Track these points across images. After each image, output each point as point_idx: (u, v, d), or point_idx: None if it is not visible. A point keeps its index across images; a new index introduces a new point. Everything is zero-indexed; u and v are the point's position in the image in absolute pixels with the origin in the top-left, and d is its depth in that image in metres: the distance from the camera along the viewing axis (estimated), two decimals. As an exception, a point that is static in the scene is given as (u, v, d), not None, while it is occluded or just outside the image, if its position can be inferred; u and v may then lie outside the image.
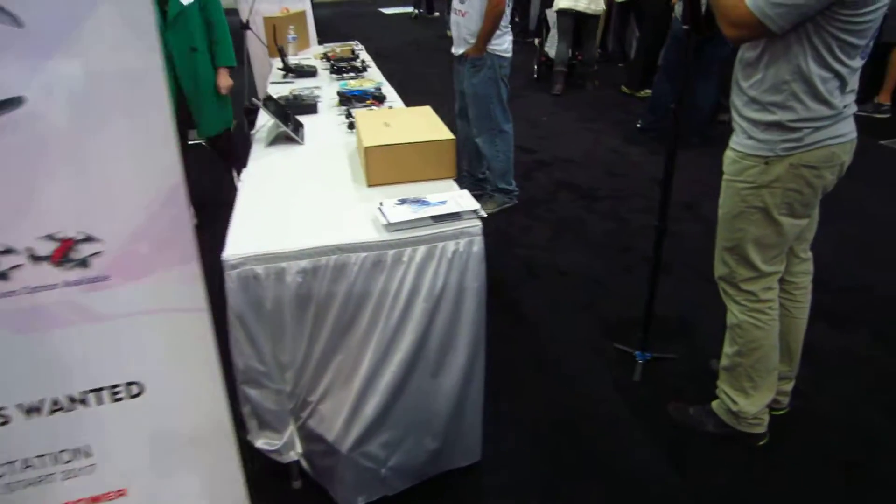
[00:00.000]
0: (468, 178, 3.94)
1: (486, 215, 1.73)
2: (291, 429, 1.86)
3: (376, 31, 10.66)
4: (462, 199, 1.76)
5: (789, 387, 2.07)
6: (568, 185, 4.13)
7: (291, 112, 2.62)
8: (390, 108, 2.69)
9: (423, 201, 1.76)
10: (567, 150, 4.74)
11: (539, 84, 6.80)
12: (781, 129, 1.66)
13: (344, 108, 2.84)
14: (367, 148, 1.92)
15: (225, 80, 3.24)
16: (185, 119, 3.35)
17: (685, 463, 1.94)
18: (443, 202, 1.75)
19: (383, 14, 12.22)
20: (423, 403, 1.81)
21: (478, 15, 3.32)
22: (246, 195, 1.96)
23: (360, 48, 4.52)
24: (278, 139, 2.42)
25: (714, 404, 2.05)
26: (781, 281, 1.94)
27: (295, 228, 1.71)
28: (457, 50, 3.52)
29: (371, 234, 1.66)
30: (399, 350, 1.72)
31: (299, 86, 3.39)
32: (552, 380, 2.34)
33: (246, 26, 4.67)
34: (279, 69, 3.72)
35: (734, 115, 1.78)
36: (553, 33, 6.74)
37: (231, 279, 1.60)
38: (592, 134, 5.12)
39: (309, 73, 3.65)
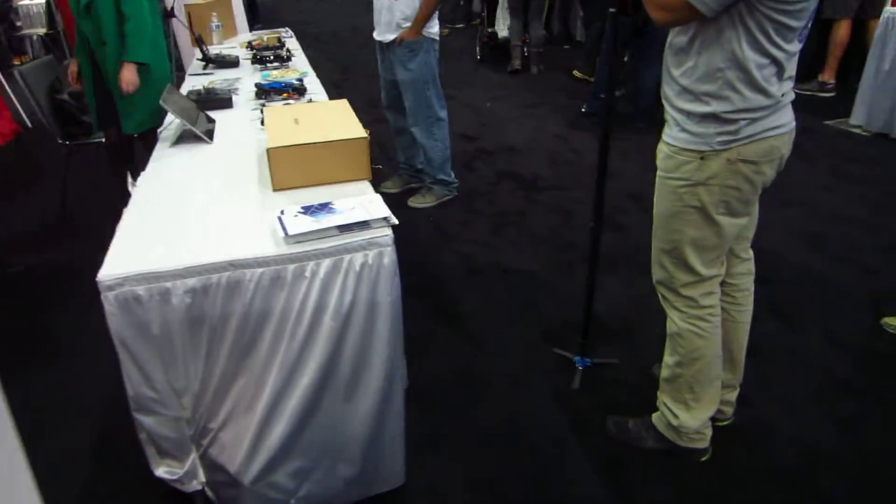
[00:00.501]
0: (406, 170, 3.78)
1: (396, 222, 1.57)
2: (193, 456, 1.71)
3: (321, 16, 10.37)
4: (372, 206, 1.59)
5: (733, 396, 1.97)
6: (510, 175, 4.00)
7: (202, 107, 2.42)
8: (310, 100, 2.50)
9: (330, 208, 1.59)
10: (510, 138, 4.61)
11: (484, 65, 6.66)
12: (717, 121, 1.53)
13: (261, 101, 2.64)
14: (269, 150, 1.75)
15: (127, 76, 2.93)
16: (106, 113, 3.10)
17: (623, 483, 1.81)
18: (351, 209, 1.58)
19: (332, -1, 11.89)
20: (335, 428, 1.67)
21: None
22: (136, 203, 1.78)
23: (289, 35, 4.31)
24: (185, 138, 2.23)
25: (654, 417, 1.94)
26: (722, 283, 1.82)
27: (183, 242, 1.54)
28: (385, 36, 3.32)
29: (268, 247, 1.50)
30: (306, 373, 1.57)
31: (220, 77, 3.19)
32: (485, 390, 2.21)
33: (170, 14, 4.43)
34: (198, 59, 3.49)
35: (666, 107, 1.65)
36: (499, 13, 6.66)
37: (109, 301, 1.43)
38: (536, 120, 5.00)
39: (230, 63, 3.44)
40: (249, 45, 3.82)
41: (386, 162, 4.19)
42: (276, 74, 3.13)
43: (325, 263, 1.50)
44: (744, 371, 1.97)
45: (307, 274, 1.50)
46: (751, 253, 1.89)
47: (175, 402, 1.59)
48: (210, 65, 3.46)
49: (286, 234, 1.49)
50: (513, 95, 5.70)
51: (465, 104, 5.49)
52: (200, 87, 2.67)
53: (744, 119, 1.53)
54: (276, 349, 1.55)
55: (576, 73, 6.01)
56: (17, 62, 8.08)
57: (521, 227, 3.36)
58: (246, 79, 3.14)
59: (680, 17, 1.47)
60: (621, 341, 2.46)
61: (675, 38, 1.58)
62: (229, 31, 4.42)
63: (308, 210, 1.60)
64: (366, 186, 1.80)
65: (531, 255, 3.07)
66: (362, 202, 1.62)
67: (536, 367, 2.33)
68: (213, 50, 3.82)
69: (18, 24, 8.47)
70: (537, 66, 6.43)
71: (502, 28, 6.94)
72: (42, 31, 8.19)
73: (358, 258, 1.52)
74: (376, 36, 3.38)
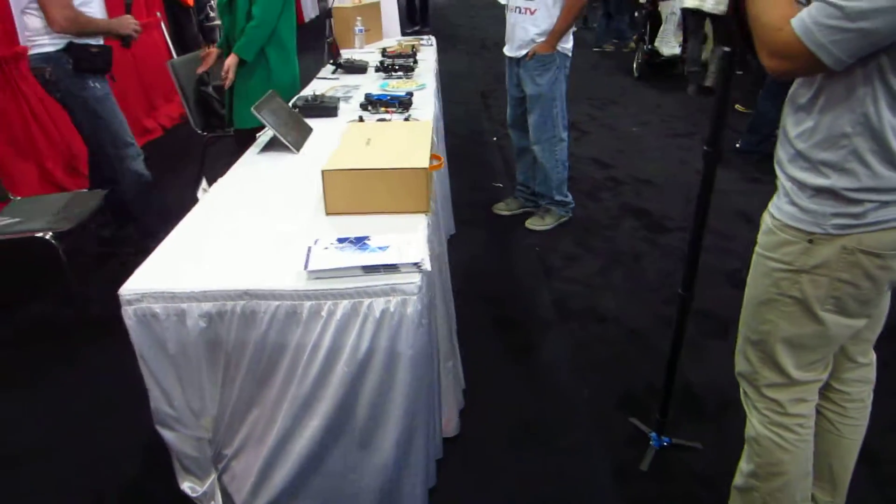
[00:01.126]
0: (523, 192, 3.65)
1: (429, 268, 1.43)
2: (213, 478, 1.68)
3: (490, 23, 10.36)
4: (409, 247, 1.46)
5: (829, 522, 1.61)
6: (636, 210, 3.68)
7: (305, 114, 2.44)
8: (407, 118, 2.41)
9: (364, 244, 1.47)
10: (647, 169, 4.27)
11: (640, 84, 6.28)
12: (836, 199, 1.23)
13: (366, 112, 2.60)
14: (324, 172, 1.67)
15: (227, 66, 2.97)
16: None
17: None
18: (386, 247, 1.45)
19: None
20: (346, 477, 1.56)
21: (549, 12, 3.05)
22: (195, 214, 1.77)
23: (428, 43, 4.26)
24: (276, 144, 2.22)
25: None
26: (827, 387, 1.50)
27: (210, 264, 1.50)
28: (517, 52, 3.21)
29: (287, 279, 1.41)
30: (316, 415, 1.48)
31: (343, 83, 3.20)
32: (540, 450, 2.00)
33: (328, 14, 4.54)
34: (330, 63, 3.53)
35: (777, 171, 1.36)
36: (664, 28, 6.29)
37: (128, 316, 1.44)
38: (682, 151, 4.60)
39: (358, 69, 3.45)
40: (383, 52, 3.81)
41: (507, 181, 4.04)
42: (394, 84, 3.09)
43: (343, 305, 1.39)
44: (849, 492, 1.61)
45: (323, 314, 1.40)
46: (872, 357, 1.54)
47: (193, 421, 1.57)
48: (339, 70, 3.49)
49: (306, 267, 1.40)
50: (664, 121, 5.31)
51: (607, 126, 5.19)
52: (311, 94, 2.66)
53: (872, 201, 1.21)
54: (288, 385, 1.47)
55: (738, 106, 5.47)
56: (204, 48, 8.82)
57: (633, 271, 3.07)
58: (367, 87, 3.13)
59: (798, 68, 1.19)
60: (713, 422, 2.13)
61: (798, 89, 1.29)
62: (375, 35, 4.46)
63: (343, 242, 1.49)
64: (420, 221, 1.67)
65: (635, 304, 2.78)
66: (401, 241, 1.49)
67: (605, 434, 2.09)
68: (347, 54, 3.86)
69: (213, 14, 9.24)
70: (697, 86, 6.02)
71: (674, 46, 6.53)
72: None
73: (379, 303, 1.39)
74: (507, 52, 3.29)
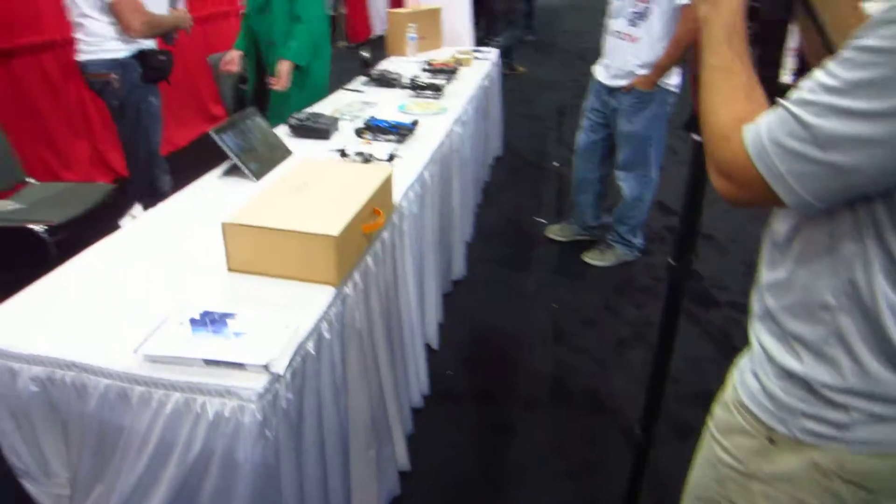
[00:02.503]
0: (579, 221, 3.43)
1: (280, 372, 1.21)
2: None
3: (599, 30, 9.91)
4: (273, 338, 1.25)
5: None
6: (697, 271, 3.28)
7: (297, 134, 2.42)
8: (390, 156, 2.20)
9: (222, 325, 1.28)
10: (713, 221, 3.81)
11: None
12: (810, 394, 0.89)
13: (361, 139, 2.42)
14: (224, 225, 1.49)
15: (283, 73, 2.94)
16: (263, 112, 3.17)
17: None
18: (240, 334, 1.25)
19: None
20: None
21: (655, 41, 2.76)
22: (84, 256, 1.65)
23: (482, 57, 4.02)
24: (238, 168, 2.07)
25: None
26: None
27: (56, 324, 1.37)
28: (611, 80, 2.95)
29: (123, 356, 1.24)
30: (149, 512, 1.29)
31: (366, 98, 3.05)
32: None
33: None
34: (363, 74, 3.38)
35: (749, 319, 1.03)
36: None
37: None
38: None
39: (388, 82, 3.27)
40: (428, 64, 3.62)
41: (553, 218, 3.79)
42: (414, 106, 2.89)
43: (175, 398, 1.21)
44: None
45: (153, 404, 1.22)
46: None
47: (45, 479, 1.46)
48: (371, 81, 3.33)
49: (143, 351, 1.22)
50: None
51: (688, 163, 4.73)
52: (305, 114, 2.50)
53: (858, 409, 0.86)
54: (120, 471, 1.31)
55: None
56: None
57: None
58: (388, 105, 2.95)
59: (751, 199, 0.84)
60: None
61: (774, 220, 0.97)
62: (433, 42, 4.29)
63: (202, 318, 1.30)
64: (324, 295, 1.46)
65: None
66: (268, 326, 1.29)
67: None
68: (384, 65, 3.70)
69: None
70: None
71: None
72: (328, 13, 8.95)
73: (213, 404, 1.20)
74: (599, 76, 3.04)
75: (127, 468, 1.29)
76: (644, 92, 2.86)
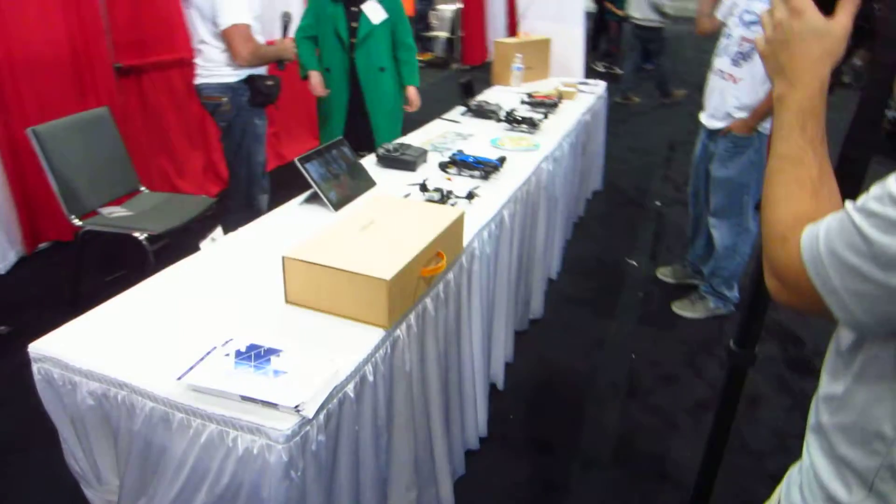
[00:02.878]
0: (692, 265, 3.32)
1: (310, 416, 1.23)
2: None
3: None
4: (306, 382, 1.27)
5: None
6: (785, 334, 3.08)
7: (385, 164, 2.49)
8: (470, 194, 2.19)
9: (265, 362, 1.32)
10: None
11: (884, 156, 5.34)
12: None
13: (444, 173, 2.44)
14: (285, 258, 1.54)
15: (415, 98, 3.38)
16: (361, 139, 3.31)
17: None
18: (279, 373, 1.29)
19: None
20: None
21: (757, 84, 2.65)
22: (159, 278, 1.73)
23: (586, 89, 3.95)
24: (319, 196, 2.14)
25: None
26: None
27: (116, 342, 1.45)
28: (709, 121, 2.87)
29: (168, 381, 1.30)
30: (180, 535, 1.34)
31: (462, 129, 3.08)
32: None
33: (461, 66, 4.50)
34: (461, 104, 3.40)
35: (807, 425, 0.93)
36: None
37: (35, 370, 1.43)
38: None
39: (486, 114, 3.27)
40: (528, 96, 3.60)
41: (646, 261, 3.65)
42: (506, 140, 2.87)
43: (210, 429, 1.25)
44: None
45: (191, 432, 1.27)
46: None
47: (97, 483, 1.55)
48: (468, 112, 3.34)
49: (185, 378, 1.27)
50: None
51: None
52: (395, 145, 2.55)
53: None
54: (158, 489, 1.37)
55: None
56: (422, 58, 9.19)
57: (742, 420, 2.52)
58: (482, 137, 2.95)
59: (804, 307, 0.75)
60: None
61: (841, 327, 0.87)
62: (540, 72, 4.26)
63: (248, 352, 1.35)
64: (373, 337, 1.47)
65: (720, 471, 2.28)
66: (312, 366, 1.31)
67: None
68: (486, 95, 3.71)
69: (435, 24, 9.61)
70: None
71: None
72: (445, 34, 9.14)
73: (244, 440, 1.23)
74: (702, 117, 2.95)
75: (165, 487, 1.34)
76: (741, 136, 2.72)
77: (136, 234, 2.58)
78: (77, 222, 2.61)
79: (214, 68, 2.90)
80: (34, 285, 3.16)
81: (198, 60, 2.92)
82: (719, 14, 2.90)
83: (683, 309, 3.13)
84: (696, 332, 3.03)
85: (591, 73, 4.87)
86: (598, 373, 2.72)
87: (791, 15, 0.81)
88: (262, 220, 2.06)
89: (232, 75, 2.89)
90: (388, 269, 1.48)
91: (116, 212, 2.74)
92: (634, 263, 3.62)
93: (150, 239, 2.59)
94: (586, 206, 4.18)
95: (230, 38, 2.78)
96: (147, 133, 3.69)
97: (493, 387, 2.46)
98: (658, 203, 4.52)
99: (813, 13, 0.80)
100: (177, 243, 3.21)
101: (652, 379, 2.71)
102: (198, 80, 2.95)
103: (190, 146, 4.00)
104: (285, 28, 3.03)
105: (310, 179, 2.08)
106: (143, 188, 3.00)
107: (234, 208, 3.09)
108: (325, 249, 1.56)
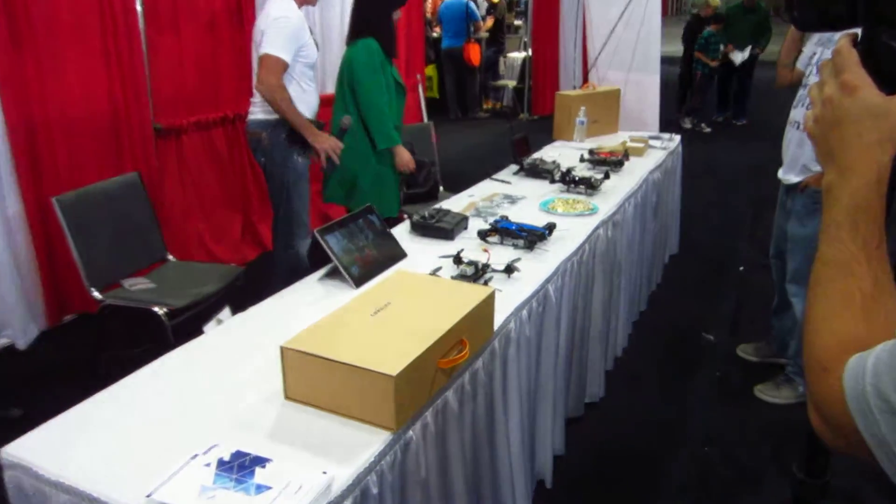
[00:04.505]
0: (777, 341, 3.12)
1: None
2: None
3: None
4: (290, 500, 1.17)
5: None
6: None
7: (420, 232, 2.45)
8: (509, 266, 2.09)
9: (248, 475, 1.23)
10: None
11: None
12: None
13: (482, 241, 2.35)
14: (283, 347, 1.46)
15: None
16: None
17: None
18: (263, 489, 1.19)
19: None
20: None
21: None
22: (169, 358, 1.70)
23: (664, 146, 3.83)
24: (339, 271, 2.08)
25: None
26: None
27: (89, 449, 1.38)
28: (787, 176, 2.76)
29: (139, 497, 1.22)
30: None
31: (512, 190, 3.03)
32: None
33: (514, 112, 4.51)
34: (514, 162, 3.34)
35: None
36: None
37: (6, 478, 1.39)
38: None
39: (541, 173, 3.20)
40: (591, 153, 3.50)
41: (725, 337, 3.45)
42: (559, 204, 2.77)
43: (176, 555, 1.15)
44: None
45: (157, 555, 1.18)
46: None
47: None
48: (520, 171, 3.28)
49: (151, 493, 1.20)
50: None
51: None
52: (433, 210, 2.49)
53: None
54: None
55: None
56: (486, 106, 9.26)
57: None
58: (531, 201, 2.86)
59: (849, 451, 0.64)
60: None
61: None
62: (608, 126, 4.17)
63: (233, 461, 1.26)
64: (375, 441, 1.37)
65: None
66: (302, 481, 1.21)
67: None
68: (543, 152, 3.64)
69: (502, 73, 9.70)
70: None
71: None
72: (513, 83, 9.20)
73: (214, 570, 1.13)
74: (779, 174, 2.84)
75: None
76: (819, 191, 2.51)
77: (156, 309, 2.57)
78: (97, 295, 2.63)
79: (259, 104, 3.04)
80: (54, 362, 3.17)
81: (253, 97, 3.09)
82: (799, 64, 2.80)
83: (767, 392, 2.91)
84: (782, 421, 2.78)
85: (677, 130, 4.70)
86: (665, 466, 2.53)
87: (843, 91, 0.69)
88: (277, 298, 2.01)
89: (272, 112, 2.97)
90: (395, 362, 1.38)
91: (139, 283, 2.76)
92: (711, 338, 3.42)
93: (170, 314, 2.57)
94: (662, 273, 4.01)
95: (260, 64, 2.89)
96: (184, 196, 3.77)
97: (540, 484, 2.30)
98: (741, 269, 4.30)
99: (869, 90, 0.67)
100: (206, 313, 3.24)
101: (727, 476, 2.49)
102: (248, 117, 3.12)
103: (229, 208, 4.06)
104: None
105: (330, 253, 2.02)
106: (170, 256, 3.02)
107: (276, 251, 3.21)
108: (328, 339, 1.48)
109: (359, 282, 2.04)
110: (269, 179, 3.17)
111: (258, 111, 3.06)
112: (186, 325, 2.54)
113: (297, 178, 3.11)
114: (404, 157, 3.21)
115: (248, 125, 3.12)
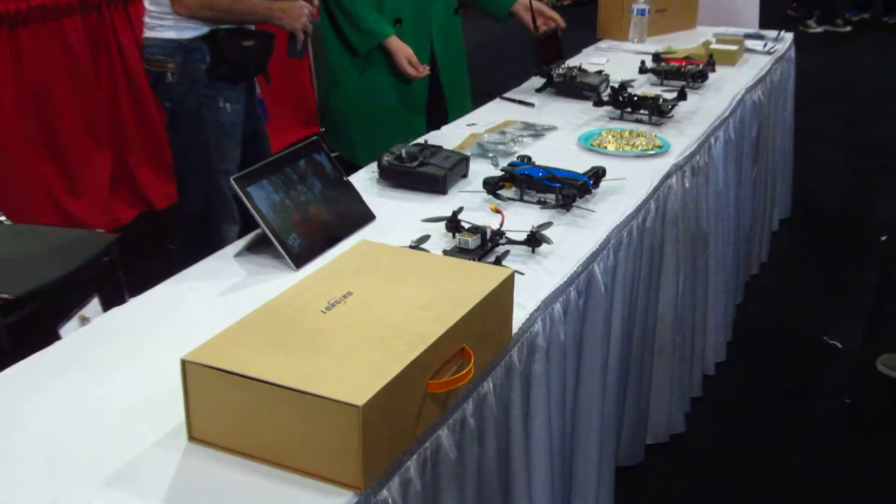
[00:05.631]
0: None
1: None
2: None
3: None
4: None
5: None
6: None
7: (393, 182, 2.48)
8: (533, 233, 2.09)
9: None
10: None
11: None
12: None
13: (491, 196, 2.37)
14: (184, 360, 1.46)
15: None
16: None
17: None
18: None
19: None
20: None
21: None
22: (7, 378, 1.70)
23: (770, 48, 3.88)
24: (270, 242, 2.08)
25: None
26: None
27: None
28: None
29: None
30: None
31: (535, 117, 3.07)
32: None
33: None
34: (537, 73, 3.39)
35: None
36: None
37: None
38: None
39: (578, 90, 3.23)
40: (656, 58, 3.53)
41: (861, 341, 3.56)
42: (608, 138, 2.78)
43: None
44: None
45: None
46: None
47: None
48: (548, 87, 3.30)
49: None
50: None
51: None
52: (413, 148, 2.48)
53: None
54: None
55: None
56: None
57: None
58: (564, 133, 2.88)
59: None
60: None
61: None
62: (678, 20, 4.21)
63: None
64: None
65: None
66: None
67: None
68: (584, 57, 3.66)
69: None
70: None
71: None
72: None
73: None
74: None
75: None
76: None
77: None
78: None
79: (160, 15, 2.96)
80: None
81: (145, 2, 3.01)
82: None
83: None
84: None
85: (788, 27, 4.59)
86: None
87: None
88: (174, 283, 2.01)
89: (185, 28, 2.94)
90: (362, 385, 1.37)
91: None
92: (837, 345, 3.52)
93: (3, 308, 2.56)
94: (770, 245, 4.08)
95: None
96: (20, 124, 3.73)
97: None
98: (883, 238, 4.39)
99: None
100: (61, 307, 3.25)
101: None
102: (144, 34, 3.06)
103: (93, 144, 4.03)
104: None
105: (254, 214, 2.00)
106: (1, 217, 3.02)
107: (184, 241, 3.18)
108: (256, 348, 1.47)
109: (300, 259, 2.04)
110: (173, 134, 3.16)
111: (157, 25, 2.98)
112: (30, 325, 2.54)
113: (224, 134, 3.09)
114: (403, 54, 3.25)
115: (145, 49, 3.06)
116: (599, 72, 3.32)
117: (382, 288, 1.66)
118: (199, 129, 3.01)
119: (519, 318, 1.82)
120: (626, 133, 2.81)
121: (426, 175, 2.41)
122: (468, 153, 2.59)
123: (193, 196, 3.13)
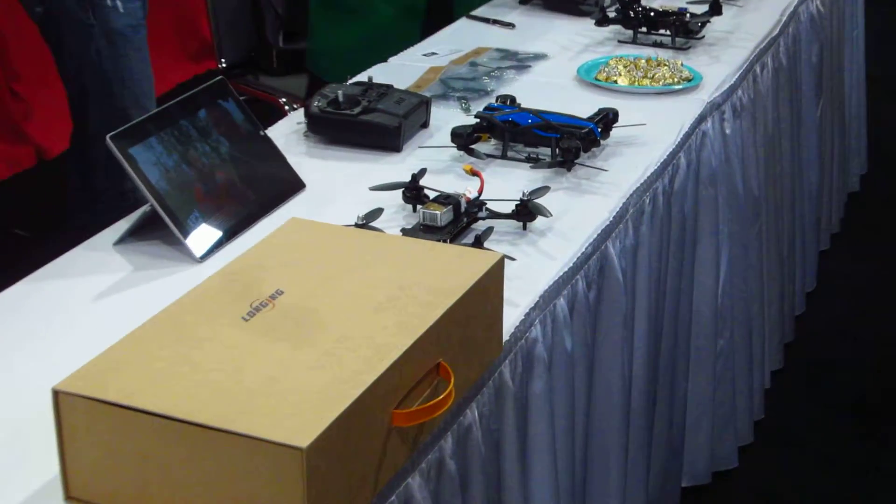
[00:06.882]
0: None
1: None
2: None
3: None
4: None
5: None
6: None
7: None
8: (525, 200, 2.12)
9: None
10: None
11: None
12: None
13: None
14: (59, 393, 1.48)
15: None
16: None
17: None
18: None
19: None
20: None
21: None
22: None
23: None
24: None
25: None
26: None
27: None
28: None
29: None
30: None
31: (516, 43, 3.13)
32: None
33: None
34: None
35: None
36: None
37: None
38: None
39: (575, 5, 3.27)
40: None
41: None
42: (619, 69, 2.81)
43: None
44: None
45: None
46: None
47: None
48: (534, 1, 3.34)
49: None
50: None
51: None
52: (353, 90, 2.50)
53: None
54: None
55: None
56: None
57: None
58: (557, 63, 2.92)
59: None
60: None
61: None
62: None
63: None
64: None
65: None
66: None
67: None
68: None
69: None
70: None
71: None
72: None
73: None
74: None
75: None
76: None
77: None
78: None
79: None
80: None
81: None
82: None
83: None
84: None
85: None
86: None
87: None
88: (23, 285, 2.02)
89: None
90: (304, 421, 1.40)
91: None
92: None
93: None
94: (843, 212, 4.18)
95: None
96: None
97: None
98: None
99: None
100: None
101: None
102: None
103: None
104: None
105: (140, 185, 2.01)
106: None
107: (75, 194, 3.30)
108: (156, 372, 1.50)
109: (205, 246, 2.06)
110: (57, 52, 3.24)
111: None
112: None
113: (128, 45, 3.17)
114: None
115: None
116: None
117: (322, 284, 1.69)
118: (87, 43, 3.11)
119: (511, 320, 1.84)
120: (643, 61, 2.85)
121: (373, 125, 2.43)
122: (428, 94, 2.62)
123: (87, 134, 3.23)
